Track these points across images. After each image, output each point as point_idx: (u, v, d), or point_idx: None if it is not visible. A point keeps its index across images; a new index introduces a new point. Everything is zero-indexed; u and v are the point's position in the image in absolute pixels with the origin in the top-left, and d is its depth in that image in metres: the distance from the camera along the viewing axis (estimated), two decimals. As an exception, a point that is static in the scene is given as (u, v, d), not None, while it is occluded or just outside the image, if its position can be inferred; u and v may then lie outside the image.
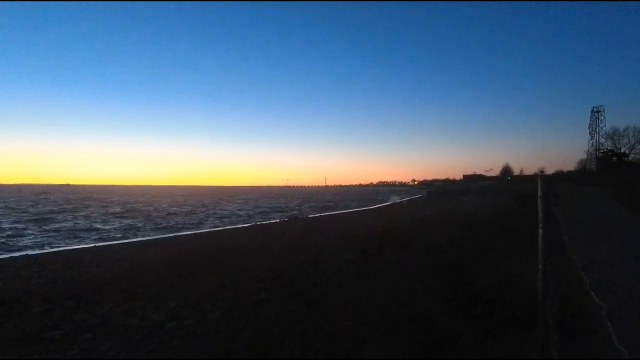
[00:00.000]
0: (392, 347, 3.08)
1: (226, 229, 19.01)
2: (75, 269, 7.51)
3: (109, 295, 5.02)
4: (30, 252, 12.11)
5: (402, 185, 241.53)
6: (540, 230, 2.93)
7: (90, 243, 14.02)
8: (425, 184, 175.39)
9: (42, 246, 13.30)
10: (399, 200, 46.79)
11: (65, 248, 13.14)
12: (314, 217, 24.43)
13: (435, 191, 69.97)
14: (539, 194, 2.93)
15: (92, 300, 4.82)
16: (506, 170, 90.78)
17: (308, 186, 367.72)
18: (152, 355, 3.07)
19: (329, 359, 2.89)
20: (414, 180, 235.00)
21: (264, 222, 21.00)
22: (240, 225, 20.61)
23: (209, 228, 19.90)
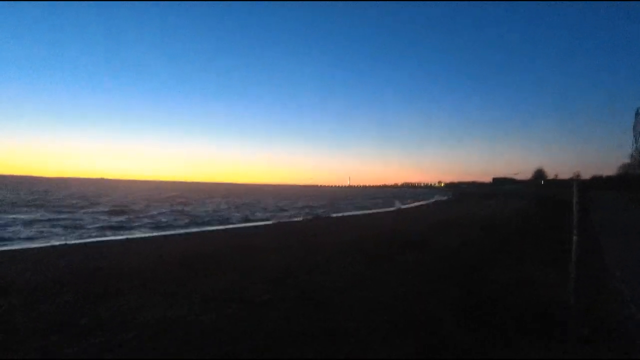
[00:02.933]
0: (396, 349, 3.04)
1: (245, 226, 19.30)
2: (105, 260, 7.82)
3: (129, 289, 5.20)
4: (68, 242, 12.74)
5: (428, 187, 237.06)
6: (575, 237, 2.76)
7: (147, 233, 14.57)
8: (451, 187, 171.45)
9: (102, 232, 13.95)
10: (422, 203, 45.94)
11: (99, 239, 13.74)
12: (332, 217, 24.39)
13: (460, 194, 68.24)
14: (574, 199, 2.78)
15: (113, 293, 5.02)
16: (539, 174, 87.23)
17: (332, 186, 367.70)
18: (168, 349, 3.13)
19: (332, 359, 2.87)
20: (440, 182, 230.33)
21: (282, 221, 21.15)
22: (259, 223, 20.85)
23: (230, 225, 20.25)
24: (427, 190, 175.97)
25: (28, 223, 18.87)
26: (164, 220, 22.19)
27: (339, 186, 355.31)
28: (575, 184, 2.78)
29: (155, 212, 26.61)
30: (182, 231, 16.94)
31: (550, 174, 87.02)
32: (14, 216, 21.74)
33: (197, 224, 20.71)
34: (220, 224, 21.07)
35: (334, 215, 26.72)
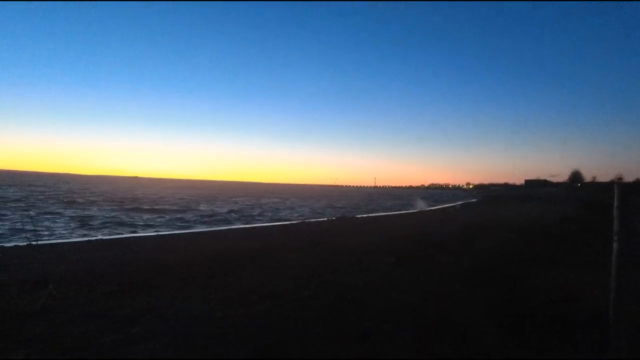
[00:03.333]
0: (432, 353, 2.98)
1: (275, 224, 19.56)
2: (139, 254, 8.18)
3: (166, 282, 5.40)
4: (102, 237, 13.41)
5: (456, 188, 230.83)
6: (615, 244, 2.64)
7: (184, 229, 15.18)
8: (481, 188, 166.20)
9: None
10: (450, 205, 44.81)
11: (134, 235, 14.40)
12: (360, 217, 24.26)
13: (491, 196, 66.02)
14: (615, 203, 2.65)
15: (151, 284, 5.22)
16: (576, 176, 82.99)
17: (357, 186, 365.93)
18: (202, 341, 3.23)
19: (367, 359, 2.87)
20: (468, 184, 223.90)
21: (311, 220, 21.28)
22: (288, 222, 21.07)
23: (258, 223, 20.60)
24: (455, 191, 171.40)
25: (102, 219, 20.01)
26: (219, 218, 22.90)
27: (364, 186, 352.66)
28: (617, 187, 2.64)
29: (222, 211, 27.54)
30: (213, 228, 17.44)
31: (588, 176, 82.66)
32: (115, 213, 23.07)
33: (227, 222, 21.26)
34: (249, 222, 21.51)
35: (360, 215, 26.59)
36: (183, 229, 17.48)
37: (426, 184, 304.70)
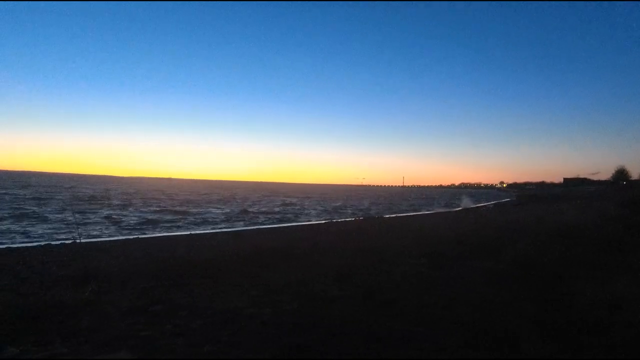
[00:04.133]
0: (465, 358, 2.87)
1: (303, 224, 19.73)
2: (174, 253, 8.50)
3: (198, 279, 5.56)
4: (140, 235, 14.08)
5: (488, 187, 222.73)
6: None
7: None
8: (515, 187, 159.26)
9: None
10: (482, 204, 43.33)
11: (170, 234, 15.01)
12: (388, 217, 23.98)
13: (526, 195, 63.17)
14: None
15: (185, 282, 5.39)
16: (621, 174, 77.74)
17: (385, 185, 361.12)
18: (234, 338, 3.31)
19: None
20: (502, 183, 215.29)
21: (339, 220, 21.28)
22: (315, 222, 21.18)
23: (287, 223, 20.85)
24: (487, 191, 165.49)
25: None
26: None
27: (392, 186, 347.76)
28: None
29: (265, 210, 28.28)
30: (246, 228, 17.89)
31: (634, 173, 77.21)
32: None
33: (257, 222, 21.68)
34: (280, 222, 21.85)
35: (388, 215, 26.29)
36: (215, 228, 18.00)
37: (457, 183, 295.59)
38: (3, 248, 10.71)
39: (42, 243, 11.82)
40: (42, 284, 5.39)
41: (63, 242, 11.92)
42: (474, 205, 41.03)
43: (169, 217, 22.49)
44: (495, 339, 3.22)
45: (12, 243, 12.13)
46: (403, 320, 3.73)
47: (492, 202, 47.87)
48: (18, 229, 15.42)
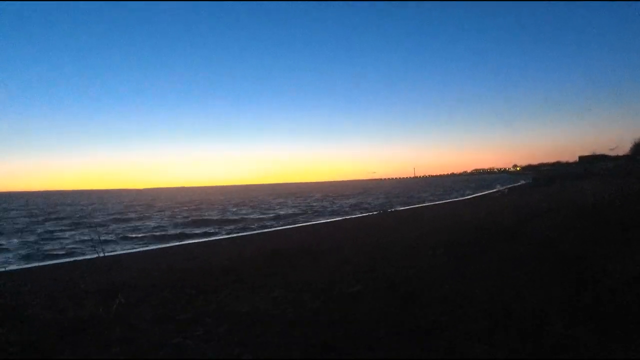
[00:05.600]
0: (498, 347, 2.88)
1: (320, 222, 19.84)
2: (195, 260, 8.68)
3: (222, 284, 5.68)
4: (162, 245, 14.39)
5: (502, 172, 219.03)
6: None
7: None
8: (529, 169, 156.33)
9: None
10: (497, 189, 42.76)
11: (188, 242, 15.29)
12: (403, 209, 23.91)
13: (542, 177, 62.01)
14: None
15: (208, 288, 5.51)
16: (638, 148, 75.39)
17: (396, 178, 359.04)
18: (261, 339, 3.40)
19: (430, 359, 2.83)
20: (515, 166, 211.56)
21: (354, 216, 21.32)
22: (333, 219, 21.28)
23: (303, 223, 20.98)
24: (500, 175, 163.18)
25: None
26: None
27: (403, 178, 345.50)
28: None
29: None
30: (262, 230, 18.11)
31: (653, 146, 74.68)
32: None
33: (270, 224, 21.89)
34: (295, 222, 22.01)
35: (402, 208, 26.19)
36: (233, 232, 18.25)
37: (469, 170, 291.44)
38: (35, 266, 11.13)
39: (70, 260, 12.21)
40: (74, 299, 5.58)
41: (88, 257, 12.28)
42: (489, 191, 40.52)
43: (189, 225, 22.94)
44: (523, 322, 3.22)
45: (42, 261, 12.60)
46: (428, 310, 3.75)
47: (507, 187, 47.16)
48: (44, 247, 15.92)
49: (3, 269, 10.55)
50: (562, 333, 3.00)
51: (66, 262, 11.68)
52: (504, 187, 45.59)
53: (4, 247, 15.72)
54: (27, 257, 13.38)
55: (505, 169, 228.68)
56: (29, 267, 11.20)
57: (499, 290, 4.23)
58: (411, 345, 3.03)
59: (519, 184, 53.09)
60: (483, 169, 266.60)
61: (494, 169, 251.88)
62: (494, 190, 42.24)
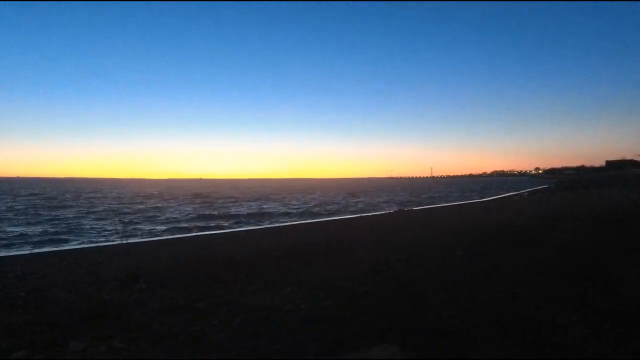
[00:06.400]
0: (511, 350, 2.85)
1: (335, 219, 19.88)
2: (212, 251, 8.89)
3: (237, 276, 5.81)
4: (182, 235, 14.76)
5: (523, 174, 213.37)
6: None
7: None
8: (552, 173, 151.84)
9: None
10: (517, 192, 41.73)
11: (205, 233, 15.63)
12: (420, 209, 23.67)
13: (565, 181, 60.11)
14: None
15: (224, 279, 5.66)
16: (670, 154, 71.86)
17: (413, 177, 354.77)
18: (274, 333, 3.47)
19: (441, 359, 2.83)
20: (537, 169, 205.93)
21: (371, 214, 21.27)
22: (349, 216, 21.29)
23: (319, 219, 21.07)
24: (522, 178, 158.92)
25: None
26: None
27: (420, 177, 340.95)
28: None
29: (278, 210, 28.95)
30: (279, 225, 18.32)
31: (688, 153, 71.10)
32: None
33: (287, 219, 22.09)
34: (310, 217, 22.15)
35: (418, 207, 25.93)
36: (251, 225, 18.53)
37: (488, 172, 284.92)
38: (63, 250, 11.65)
39: (93, 245, 12.70)
40: (96, 283, 5.83)
41: (110, 243, 12.75)
42: (508, 194, 39.60)
43: (209, 215, 23.46)
44: (539, 331, 3.18)
45: (68, 245, 13.16)
46: (440, 313, 3.73)
47: (528, 190, 45.97)
48: (67, 232, 16.55)
49: (28, 252, 11.10)
50: (581, 340, 2.95)
51: (89, 247, 12.13)
52: (525, 191, 44.46)
53: (27, 232, 16.43)
54: (50, 242, 13.95)
55: (526, 171, 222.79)
56: (54, 251, 11.71)
57: (515, 294, 4.17)
58: (421, 346, 3.03)
59: (541, 187, 51.59)
60: (503, 171, 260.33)
61: (514, 171, 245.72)
62: (514, 193, 41.24)
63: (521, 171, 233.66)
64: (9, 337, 3.56)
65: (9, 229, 17.06)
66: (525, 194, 36.79)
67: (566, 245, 6.49)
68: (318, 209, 28.86)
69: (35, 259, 9.55)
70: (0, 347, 3.36)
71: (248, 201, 38.21)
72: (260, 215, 24.02)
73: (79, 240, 14.46)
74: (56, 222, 19.98)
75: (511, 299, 4.08)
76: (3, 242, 13.83)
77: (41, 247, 12.62)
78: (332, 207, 30.88)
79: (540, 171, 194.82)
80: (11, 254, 11.19)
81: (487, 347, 2.94)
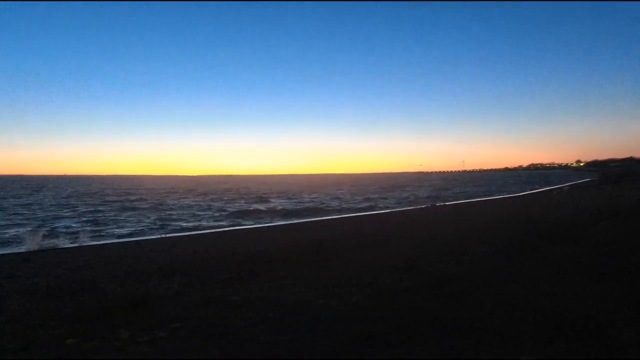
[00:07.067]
0: (553, 350, 2.73)
1: (367, 214, 19.82)
2: (244, 245, 9.12)
3: (269, 270, 5.93)
4: (217, 230, 15.29)
5: (563, 167, 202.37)
6: None
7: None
8: (595, 166, 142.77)
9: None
10: (556, 187, 39.67)
11: (238, 227, 16.08)
12: (453, 204, 23.11)
13: (609, 175, 56.30)
14: None
15: (257, 273, 5.80)
16: None
17: (444, 171, 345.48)
18: (308, 327, 3.51)
19: (479, 359, 2.75)
20: (578, 162, 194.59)
21: (403, 209, 21.04)
22: (379, 212, 21.15)
23: (350, 214, 21.09)
24: (561, 171, 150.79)
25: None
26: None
27: (452, 171, 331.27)
28: None
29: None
30: (313, 219, 18.60)
31: None
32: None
33: (322, 214, 22.30)
34: (340, 213, 22.22)
35: (450, 202, 25.30)
36: (286, 220, 18.87)
37: (525, 165, 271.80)
38: (107, 243, 12.41)
39: (135, 239, 13.44)
40: (138, 276, 6.15)
41: (150, 237, 13.43)
42: (546, 188, 37.74)
43: (241, 211, 24.15)
44: (583, 330, 3.01)
45: (111, 238, 14.00)
46: (475, 311, 3.62)
47: (568, 184, 43.58)
48: (111, 226, 17.56)
49: (78, 245, 11.88)
50: (628, 340, 2.78)
51: (130, 241, 12.82)
52: (565, 185, 42.22)
53: (73, 226, 17.56)
54: (95, 236, 14.86)
55: (566, 164, 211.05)
56: (99, 244, 12.47)
57: (557, 294, 3.98)
58: (458, 345, 2.96)
59: (583, 181, 48.69)
60: (541, 164, 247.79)
61: (553, 164, 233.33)
62: (553, 187, 39.24)
63: (561, 164, 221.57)
64: (61, 325, 3.84)
65: (56, 224, 18.34)
66: (566, 187, 34.93)
67: (610, 243, 6.12)
68: (348, 204, 28.84)
69: (83, 252, 10.21)
70: (53, 334, 3.62)
71: (278, 197, 38.81)
72: (293, 211, 24.33)
73: (120, 234, 15.31)
74: (98, 216, 21.23)
75: (553, 297, 3.90)
76: (52, 235, 14.89)
77: (89, 241, 13.48)
78: (363, 202, 30.76)
79: (581, 164, 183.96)
80: (60, 246, 12.03)
81: (529, 347, 2.83)
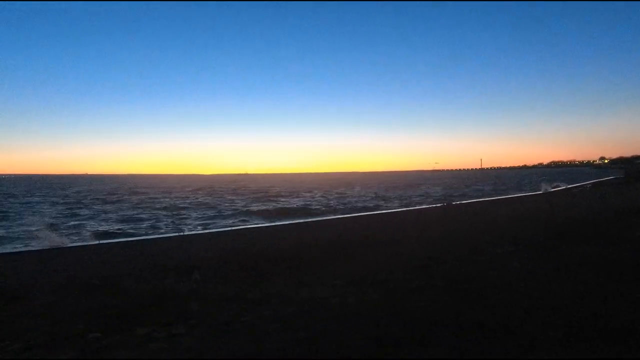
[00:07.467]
0: (573, 351, 2.64)
1: (381, 213, 19.70)
2: (260, 243, 9.21)
3: (283, 269, 5.96)
4: (235, 228, 15.48)
5: (585, 165, 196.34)
6: None
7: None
8: (620, 163, 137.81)
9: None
10: (578, 185, 38.50)
11: (254, 225, 16.24)
12: (470, 202, 22.76)
13: (636, 172, 54.23)
14: None
15: (274, 271, 5.84)
16: None
17: (460, 169, 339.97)
18: (324, 325, 3.51)
19: (496, 359, 2.69)
20: (602, 159, 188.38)
21: (418, 208, 20.83)
22: (393, 210, 21.00)
23: (364, 212, 21.00)
24: (584, 169, 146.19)
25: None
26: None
27: (468, 169, 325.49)
28: None
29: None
30: (326, 218, 18.62)
31: None
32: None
33: (335, 212, 22.29)
34: (356, 211, 22.15)
35: (466, 201, 24.89)
36: (300, 218, 18.96)
37: (545, 162, 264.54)
38: (127, 241, 12.72)
39: (153, 237, 13.75)
40: (157, 273, 6.28)
41: (169, 235, 13.71)
42: (567, 186, 36.67)
43: (256, 210, 24.35)
44: (611, 331, 2.91)
45: (130, 237, 14.34)
46: (494, 311, 3.55)
47: (590, 182, 42.23)
48: (129, 225, 18.00)
49: (97, 242, 12.23)
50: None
51: (149, 239, 13.11)
52: (587, 183, 40.92)
53: (93, 225, 18.05)
54: (114, 234, 15.25)
55: (589, 161, 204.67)
56: (118, 242, 12.79)
57: (578, 295, 3.86)
58: (475, 346, 2.90)
59: (607, 179, 47.11)
60: (562, 162, 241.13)
61: (575, 161, 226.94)
62: (574, 185, 38.10)
63: (582, 161, 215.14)
64: (84, 321, 3.95)
65: (77, 222, 18.91)
66: (589, 185, 33.90)
67: (635, 241, 5.90)
68: (363, 203, 28.71)
69: (103, 249, 10.50)
70: (77, 329, 3.73)
71: (292, 195, 38.95)
72: (306, 209, 24.39)
73: (137, 232, 15.65)
74: (118, 214, 21.79)
75: (573, 296, 3.79)
76: (73, 233, 15.35)
77: (107, 239, 13.85)
78: (378, 200, 30.59)
79: (605, 161, 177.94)
80: (80, 244, 12.40)
81: (547, 347, 2.76)
